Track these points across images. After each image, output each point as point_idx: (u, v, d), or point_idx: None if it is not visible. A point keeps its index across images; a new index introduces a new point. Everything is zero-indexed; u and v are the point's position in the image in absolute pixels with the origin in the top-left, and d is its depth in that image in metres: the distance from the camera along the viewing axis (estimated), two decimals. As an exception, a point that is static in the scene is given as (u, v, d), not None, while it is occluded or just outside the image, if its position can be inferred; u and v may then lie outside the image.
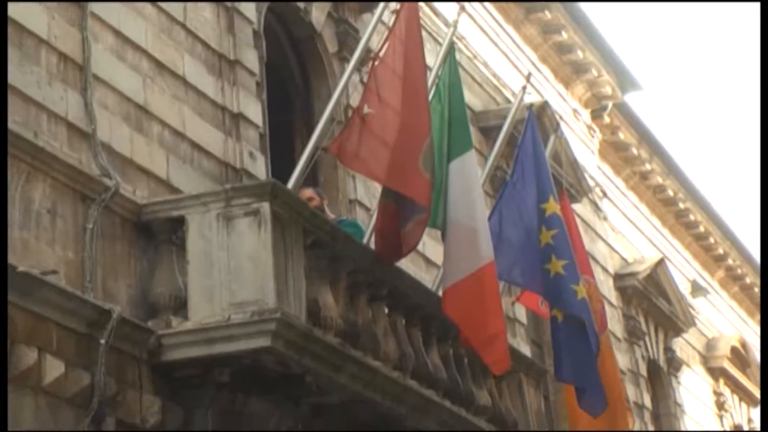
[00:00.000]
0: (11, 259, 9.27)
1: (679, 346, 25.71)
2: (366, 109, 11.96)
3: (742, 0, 65.44)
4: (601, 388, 14.34)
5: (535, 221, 14.19)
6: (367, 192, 14.57)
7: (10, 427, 9.01)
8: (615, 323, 21.82)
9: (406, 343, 12.39)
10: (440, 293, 13.55)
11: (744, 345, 29.73)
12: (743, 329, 31.01)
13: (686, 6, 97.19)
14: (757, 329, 32.52)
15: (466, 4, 16.71)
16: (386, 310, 12.28)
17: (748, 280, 31.36)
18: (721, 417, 27.97)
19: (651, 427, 23.25)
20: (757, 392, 29.76)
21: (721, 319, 29.88)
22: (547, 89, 21.24)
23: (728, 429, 28.15)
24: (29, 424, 9.24)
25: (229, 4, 12.90)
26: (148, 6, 11.75)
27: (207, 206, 10.86)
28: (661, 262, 24.68)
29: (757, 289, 31.91)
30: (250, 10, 13.25)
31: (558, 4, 20.95)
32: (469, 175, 12.98)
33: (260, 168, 12.77)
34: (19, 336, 9.28)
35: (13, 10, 10.03)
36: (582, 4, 21.62)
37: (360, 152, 11.97)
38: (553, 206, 14.43)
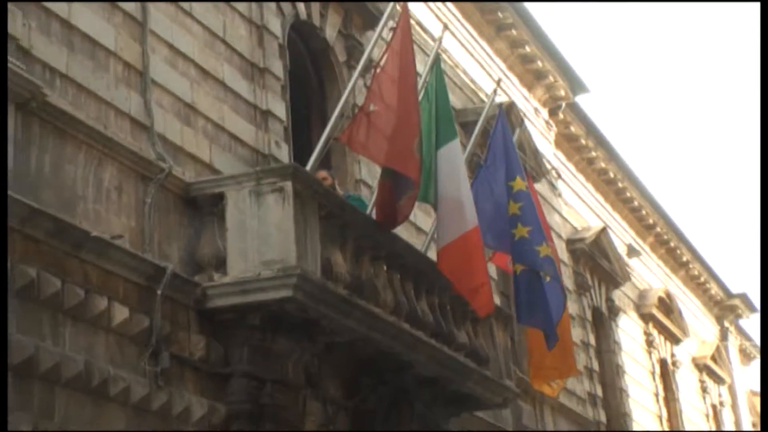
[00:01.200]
0: (86, 226, 9.31)
1: (617, 296, 25.77)
2: (371, 107, 12.00)
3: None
4: (553, 326, 14.38)
5: (504, 196, 14.24)
6: (369, 173, 14.60)
7: (86, 358, 9.04)
8: (567, 278, 21.89)
9: (401, 293, 12.41)
10: (428, 254, 13.62)
11: (668, 296, 29.78)
12: (668, 283, 31.08)
13: (626, 23, 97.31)
14: (679, 283, 32.60)
15: (449, 24, 16.69)
16: (385, 268, 12.30)
17: (672, 244, 31.47)
18: (649, 352, 28.02)
19: (595, 361, 23.33)
20: (677, 333, 29.84)
21: (650, 275, 29.93)
22: (514, 92, 21.27)
23: (654, 361, 28.16)
24: (102, 358, 9.27)
25: (259, 22, 12.93)
26: (195, 24, 11.76)
27: (241, 184, 10.89)
28: (603, 230, 24.73)
29: (679, 251, 32.03)
30: (276, 27, 13.29)
31: (522, 23, 21.01)
32: (455, 158, 13.03)
33: (284, 154, 12.80)
34: (93, 288, 9.33)
35: (86, 27, 10.07)
36: (540, 20, 21.66)
37: (364, 141, 12.01)
38: (520, 184, 14.49)
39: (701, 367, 33.03)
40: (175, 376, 10.08)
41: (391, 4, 13.42)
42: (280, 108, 13.01)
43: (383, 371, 12.55)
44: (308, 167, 11.68)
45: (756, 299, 38.11)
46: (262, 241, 10.64)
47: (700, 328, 34.13)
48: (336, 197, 12.09)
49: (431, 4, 18.26)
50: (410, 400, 13.31)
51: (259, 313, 10.66)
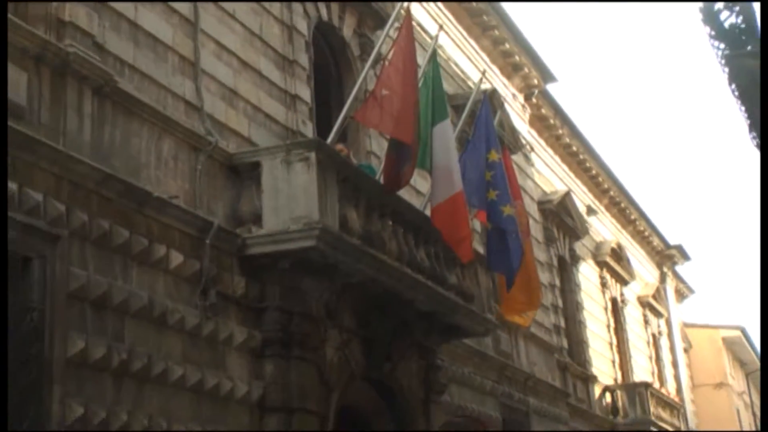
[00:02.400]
0: (149, 188, 9.33)
1: (578, 247, 25.78)
2: (383, 92, 11.99)
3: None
4: (513, 273, 14.41)
5: (483, 166, 14.23)
6: (378, 146, 14.59)
7: (149, 294, 9.08)
8: (538, 232, 21.92)
9: (403, 244, 12.42)
10: (425, 212, 13.61)
11: (619, 246, 29.82)
12: (619, 237, 31.07)
13: (591, 23, 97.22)
14: (628, 236, 32.62)
15: (444, 25, 16.66)
16: (390, 223, 12.30)
17: (622, 205, 31.47)
18: (603, 292, 28.08)
19: (559, 299, 23.40)
20: (626, 276, 29.92)
21: (604, 230, 29.93)
22: (496, 81, 21.19)
23: (607, 299, 28.23)
24: (162, 294, 9.31)
25: (289, 23, 12.88)
26: (237, 24, 11.70)
27: (274, 155, 10.87)
28: (567, 194, 24.72)
29: (628, 211, 32.06)
30: (303, 27, 13.23)
31: (503, 25, 20.99)
32: (447, 134, 13.01)
33: (309, 130, 12.79)
34: (154, 238, 9.37)
35: (149, 26, 10.07)
36: (518, 22, 21.70)
37: (375, 118, 12.03)
38: (494, 156, 14.46)
39: (644, 304, 33.11)
40: (221, 309, 10.11)
41: (398, 7, 13.38)
42: (305, 93, 12.98)
43: (388, 306, 12.57)
44: (328, 141, 11.67)
45: (690, 250, 38.26)
46: (290, 200, 10.63)
47: (644, 273, 34.18)
48: (351, 165, 12.11)
49: (429, 8, 18.23)
50: (410, 330, 13.36)
51: (288, 258, 10.67)
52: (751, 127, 5.68)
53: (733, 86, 5.30)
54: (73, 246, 8.30)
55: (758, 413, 58.76)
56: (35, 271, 7.86)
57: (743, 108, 5.45)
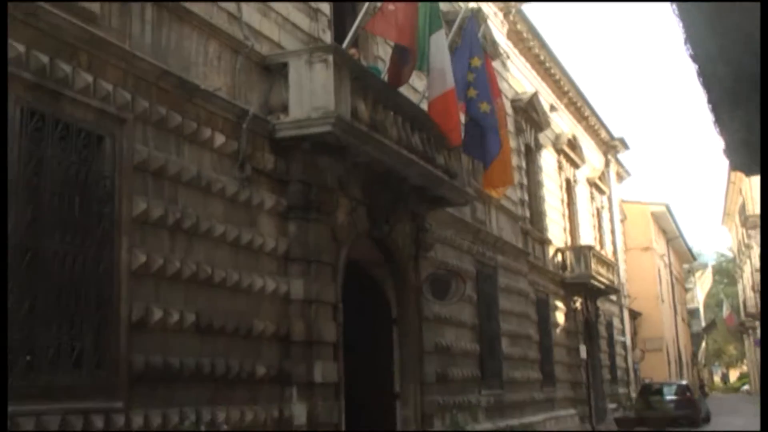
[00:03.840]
0: (197, 82, 9.20)
1: (541, 137, 25.60)
2: (390, 7, 11.73)
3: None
4: (490, 158, 14.35)
5: (466, 69, 13.99)
6: (384, 52, 14.32)
7: (198, 167, 9.03)
8: (510, 124, 21.65)
9: (402, 130, 12.30)
10: (420, 105, 13.47)
11: (574, 137, 29.64)
12: (574, 130, 30.80)
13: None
14: (581, 129, 32.41)
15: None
16: (392, 114, 12.16)
17: (578, 104, 31.08)
18: (559, 173, 28.01)
19: (525, 178, 23.39)
20: (578, 161, 29.84)
21: (563, 124, 29.65)
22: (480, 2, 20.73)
23: (562, 179, 28.20)
24: (208, 168, 9.26)
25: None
26: (272, 12, 11.33)
27: (300, 57, 10.67)
28: (534, 94, 24.40)
29: (582, 108, 31.78)
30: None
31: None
32: (441, 42, 12.74)
33: (328, 37, 12.49)
34: (202, 121, 9.28)
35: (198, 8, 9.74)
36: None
37: (383, 28, 11.82)
38: (476, 61, 14.22)
39: (591, 184, 33.09)
40: (254, 181, 10.07)
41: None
42: (325, 7, 12.66)
43: (388, 180, 12.54)
44: (344, 46, 11.44)
45: (630, 141, 38.10)
46: (312, 94, 10.48)
47: (593, 159, 34.04)
48: (361, 66, 11.89)
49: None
50: (404, 200, 13.36)
51: (309, 141, 10.59)
52: (686, 40, 5.52)
53: (674, 6, 5.12)
54: (136, 127, 8.23)
55: (674, 271, 59.61)
56: (107, 147, 7.82)
57: (681, 22, 5.27)
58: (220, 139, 9.49)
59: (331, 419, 10.48)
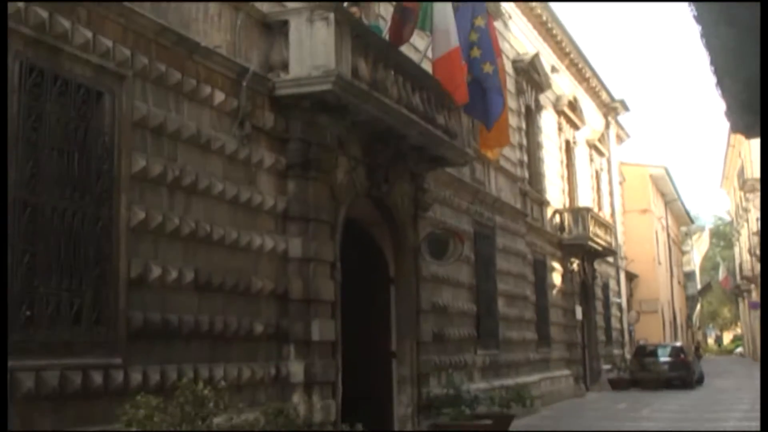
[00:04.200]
0: (198, 39, 9.13)
1: (542, 98, 25.48)
2: None
3: None
4: (492, 119, 14.26)
5: (468, 28, 13.86)
6: (385, 11, 14.22)
7: (197, 125, 9.00)
8: (511, 85, 21.53)
9: (402, 89, 12.23)
10: (422, 65, 13.39)
11: (575, 99, 29.51)
12: (575, 91, 30.66)
13: None
14: (582, 91, 32.26)
15: None
16: (393, 73, 12.08)
17: (579, 65, 30.91)
18: (559, 135, 27.93)
19: (524, 139, 23.30)
20: (578, 123, 29.74)
21: (564, 84, 29.49)
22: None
23: (562, 141, 28.13)
24: (207, 125, 9.23)
25: None
26: None
27: (301, 14, 10.57)
28: (536, 55, 24.22)
29: (583, 70, 31.62)
30: None
31: None
32: (445, 3, 12.70)
33: (329, -5, 12.40)
34: (202, 79, 9.23)
35: None
36: None
37: None
38: (480, 21, 14.10)
39: (591, 146, 33.02)
40: (254, 139, 10.05)
41: None
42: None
43: (388, 140, 12.51)
44: (345, 4, 11.36)
45: (631, 104, 37.92)
46: (312, 52, 10.40)
47: (593, 120, 33.93)
48: (362, 25, 11.78)
49: None
50: (404, 159, 13.34)
51: (309, 99, 10.54)
52: (690, 1, 5.49)
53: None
54: (136, 84, 8.18)
55: (672, 233, 59.77)
56: (106, 103, 7.79)
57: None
58: (219, 97, 9.44)
59: (327, 377, 10.57)
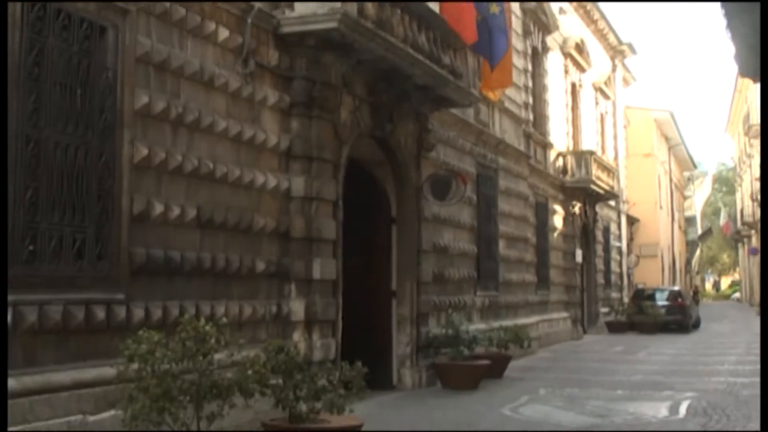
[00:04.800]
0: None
1: (549, 40, 25.17)
2: None
3: None
4: (495, 59, 14.16)
5: None
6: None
7: (201, 62, 8.91)
8: (518, 26, 21.27)
9: (408, 29, 12.08)
10: (429, 5, 13.22)
11: (582, 41, 29.14)
12: (582, 33, 30.31)
13: None
14: (589, 33, 31.88)
15: None
16: (399, 12, 11.91)
17: (588, 7, 30.60)
18: (565, 77, 27.69)
19: (530, 81, 23.06)
20: (585, 65, 29.43)
21: (572, 27, 29.10)
22: None
23: (568, 83, 27.88)
24: (211, 62, 9.11)
25: None
26: None
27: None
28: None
29: (591, 12, 31.24)
30: None
31: None
32: None
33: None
34: (206, 15, 9.11)
35: None
36: None
37: None
38: None
39: (597, 89, 32.77)
40: (258, 76, 9.96)
41: None
42: None
43: (393, 79, 12.41)
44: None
45: (638, 47, 37.56)
46: (318, -10, 10.27)
47: (599, 63, 33.60)
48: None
49: None
50: (409, 99, 13.25)
51: (314, 37, 10.43)
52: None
53: None
54: (139, 19, 8.07)
55: (674, 178, 59.68)
56: (109, 38, 7.69)
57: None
58: (224, 33, 9.33)
59: (328, 316, 10.66)
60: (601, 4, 32.18)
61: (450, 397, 12.44)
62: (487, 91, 16.65)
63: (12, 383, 6.32)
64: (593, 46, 32.37)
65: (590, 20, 31.69)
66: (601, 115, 33.82)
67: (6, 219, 6.41)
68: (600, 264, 31.31)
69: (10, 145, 6.55)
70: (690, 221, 72.13)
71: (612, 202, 33.97)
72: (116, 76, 7.70)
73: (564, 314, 25.15)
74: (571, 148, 27.88)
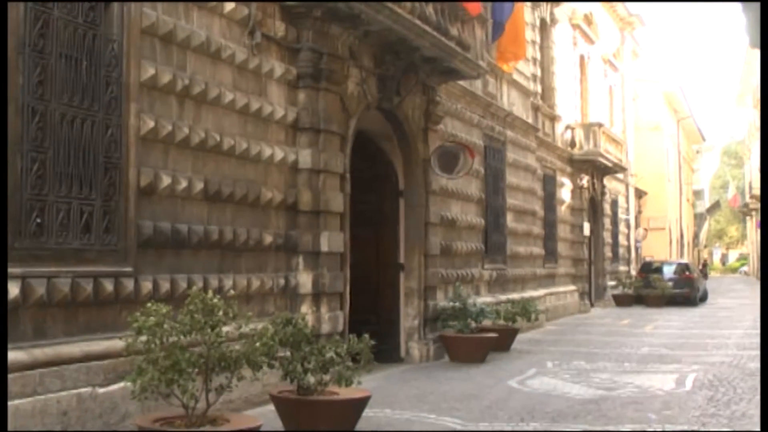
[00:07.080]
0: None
1: (558, 11, 24.95)
2: None
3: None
4: (501, 26, 14.12)
5: None
6: None
7: (207, 33, 8.85)
8: (525, -4, 21.15)
9: (416, 7, 12.01)
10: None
11: (591, 13, 28.94)
12: (592, 4, 29.99)
13: None
14: (598, 5, 31.56)
15: None
16: (406, -17, 11.85)
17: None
18: (573, 48, 27.47)
19: (538, 53, 22.90)
20: (593, 37, 29.18)
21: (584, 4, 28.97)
22: None
23: (576, 56, 27.66)
24: (217, 34, 9.05)
25: None
26: None
27: None
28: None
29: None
30: None
31: None
32: None
33: None
34: (211, -15, 9.01)
35: None
36: None
37: None
38: None
39: (606, 61, 32.55)
40: (264, 48, 9.89)
41: None
42: None
43: (400, 51, 12.33)
44: None
45: (647, 19, 37.29)
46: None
47: (609, 35, 33.36)
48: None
49: None
50: (416, 71, 13.18)
51: (321, 8, 10.35)
52: None
53: None
54: (145, -11, 8.00)
55: (683, 151, 59.46)
56: (114, 9, 7.62)
57: None
58: (229, 5, 9.25)
59: (335, 288, 10.66)
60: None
61: (457, 370, 12.47)
62: (502, 63, 16.60)
63: (22, 356, 6.34)
64: (602, 18, 32.12)
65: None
66: (610, 88, 33.63)
67: (6, 207, 6.39)
68: (608, 237, 31.26)
69: (18, 118, 6.51)
70: (698, 194, 71.92)
71: (620, 175, 33.87)
72: (121, 47, 7.64)
73: (571, 287, 25.15)
74: (579, 120, 27.75)
